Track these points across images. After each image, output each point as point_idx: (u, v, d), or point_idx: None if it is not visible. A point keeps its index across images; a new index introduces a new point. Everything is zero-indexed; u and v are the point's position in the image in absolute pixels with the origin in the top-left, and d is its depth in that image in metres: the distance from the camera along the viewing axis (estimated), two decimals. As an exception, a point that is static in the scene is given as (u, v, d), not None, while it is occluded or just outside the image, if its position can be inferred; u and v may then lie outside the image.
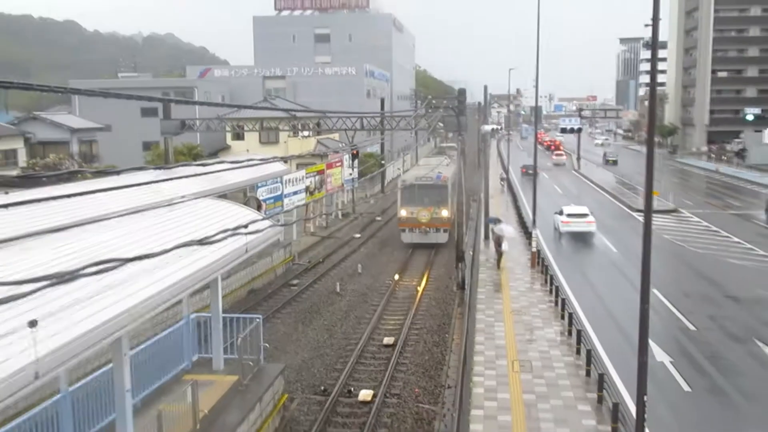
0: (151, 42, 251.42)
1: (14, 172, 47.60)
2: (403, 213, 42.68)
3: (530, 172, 49.19)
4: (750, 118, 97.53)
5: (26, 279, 6.38)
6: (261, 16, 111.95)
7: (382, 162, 60.35)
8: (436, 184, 42.88)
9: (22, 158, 60.16)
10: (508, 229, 37.25)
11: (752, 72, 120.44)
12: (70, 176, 40.52)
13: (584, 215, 43.87)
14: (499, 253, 34.80)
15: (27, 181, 41.81)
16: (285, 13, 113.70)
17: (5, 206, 8.62)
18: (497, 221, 37.76)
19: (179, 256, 13.39)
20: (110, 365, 14.58)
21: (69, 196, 12.34)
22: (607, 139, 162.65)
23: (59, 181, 36.41)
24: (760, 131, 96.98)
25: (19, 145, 60.35)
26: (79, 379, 16.06)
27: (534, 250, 35.26)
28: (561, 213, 45.04)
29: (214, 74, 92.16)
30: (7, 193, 26.73)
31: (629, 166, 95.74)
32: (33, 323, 9.11)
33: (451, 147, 71.15)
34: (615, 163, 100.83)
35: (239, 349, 18.06)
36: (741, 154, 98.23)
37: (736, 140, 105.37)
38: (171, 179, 16.49)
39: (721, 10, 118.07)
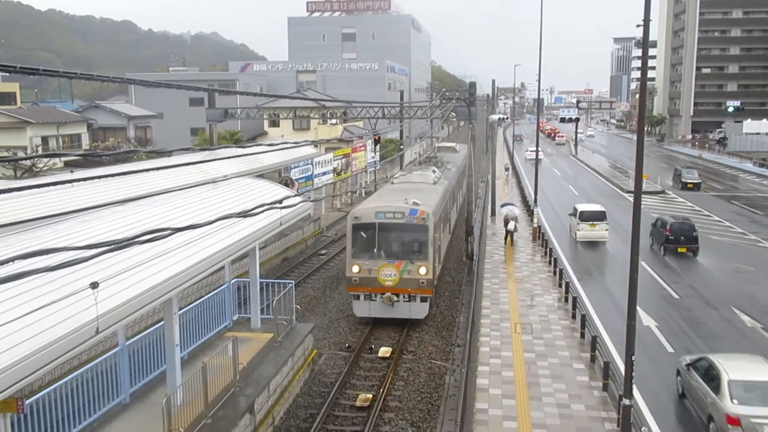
0: (198, 40, 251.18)
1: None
2: (354, 269, 22.75)
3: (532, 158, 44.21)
4: (731, 109, 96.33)
5: (87, 245, 6.39)
6: (295, 17, 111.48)
7: (401, 147, 60.02)
8: (409, 223, 22.86)
9: (86, 142, 60.64)
10: (514, 210, 35.97)
11: (733, 69, 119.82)
12: (127, 156, 40.84)
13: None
14: (507, 232, 33.73)
15: (89, 160, 42.15)
16: (316, 14, 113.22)
17: (70, 182, 8.67)
18: (506, 204, 36.88)
19: (222, 227, 13.43)
20: (162, 323, 14.69)
21: (125, 173, 12.38)
22: (593, 130, 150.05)
23: (117, 161, 36.70)
24: (740, 122, 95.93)
25: (82, 130, 60.82)
26: (135, 334, 16.21)
27: (535, 225, 35.04)
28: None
29: (253, 68, 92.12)
30: (72, 171, 26.92)
31: (621, 153, 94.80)
32: (94, 285, 9.19)
33: (448, 148, 50.13)
34: (697, 187, 55.95)
35: (274, 310, 18.15)
36: (722, 142, 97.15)
37: (718, 130, 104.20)
38: (215, 160, 16.52)
39: (706, 13, 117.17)
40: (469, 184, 35.60)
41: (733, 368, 14.82)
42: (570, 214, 36.86)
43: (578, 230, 34.41)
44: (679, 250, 31.59)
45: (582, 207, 35.46)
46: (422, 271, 22.47)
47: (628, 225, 26.71)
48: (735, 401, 13.92)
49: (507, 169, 66.61)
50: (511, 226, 33.52)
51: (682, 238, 31.70)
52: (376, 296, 22.79)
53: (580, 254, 32.55)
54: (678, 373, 16.91)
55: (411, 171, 32.06)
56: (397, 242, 23.18)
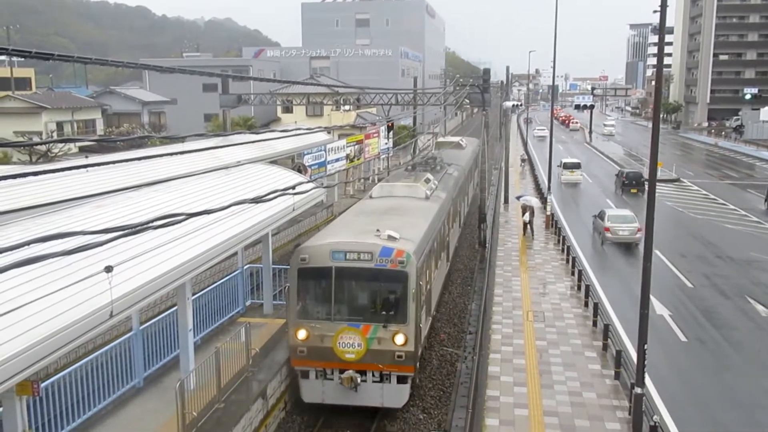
0: (211, 25, 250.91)
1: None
2: (300, 335, 15.77)
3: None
4: (748, 97, 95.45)
5: (102, 230, 6.43)
6: (308, 3, 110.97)
7: (414, 133, 59.84)
8: (380, 269, 15.56)
9: (100, 127, 60.90)
10: (533, 200, 34.97)
11: (751, 55, 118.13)
12: (141, 142, 41.00)
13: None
14: (524, 222, 32.80)
15: (104, 146, 42.37)
16: (330, 0, 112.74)
17: (85, 167, 8.72)
18: (521, 196, 35.80)
19: (235, 213, 13.48)
20: (175, 308, 14.80)
21: (139, 159, 12.45)
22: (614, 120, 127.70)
23: (131, 147, 36.84)
24: (757, 109, 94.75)
25: (97, 115, 61.08)
26: (149, 319, 16.35)
27: (548, 213, 34.91)
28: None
29: (267, 54, 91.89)
30: (87, 156, 27.07)
31: (636, 140, 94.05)
32: (109, 269, 9.28)
33: (452, 144, 42.13)
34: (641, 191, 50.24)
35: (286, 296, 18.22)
36: (738, 129, 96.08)
37: (735, 117, 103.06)
38: (228, 146, 16.59)
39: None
40: (482, 171, 35.47)
41: (610, 212, 32.23)
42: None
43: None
44: (632, 190, 45.44)
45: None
46: (399, 339, 15.19)
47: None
48: (608, 222, 30.92)
49: (523, 161, 63.16)
50: (526, 217, 32.62)
51: (634, 182, 45.74)
52: (332, 373, 15.50)
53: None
54: (593, 220, 33.46)
55: (398, 179, 23.67)
56: (362, 297, 15.89)
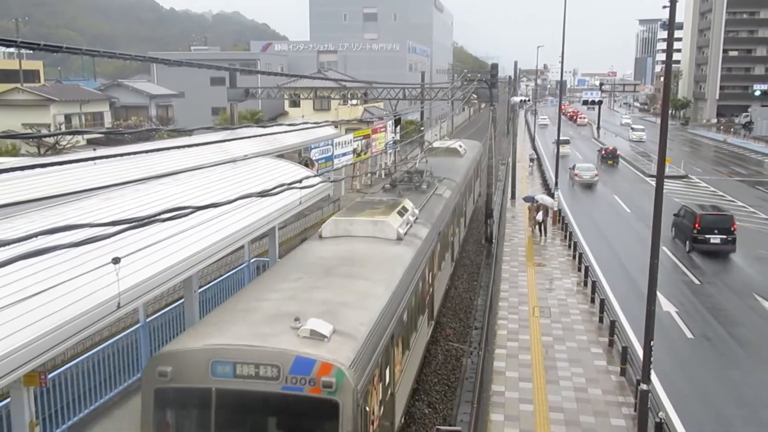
0: (219, 19, 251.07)
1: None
2: None
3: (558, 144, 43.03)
4: (758, 93, 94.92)
5: (110, 222, 6.46)
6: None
7: (421, 128, 59.75)
8: (292, 396, 8.49)
9: (108, 120, 61.01)
10: (547, 199, 33.55)
11: (761, 52, 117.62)
12: (149, 135, 41.08)
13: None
14: (537, 222, 31.62)
15: (112, 138, 42.47)
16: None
17: (93, 159, 8.75)
18: (531, 198, 33.58)
19: (242, 206, 13.50)
20: (182, 300, 14.85)
21: (147, 152, 12.47)
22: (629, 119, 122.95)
23: (139, 139, 36.93)
24: (767, 106, 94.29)
25: (105, 108, 61.18)
26: (155, 311, 16.42)
27: (555, 208, 34.83)
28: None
29: (275, 48, 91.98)
30: (95, 149, 27.13)
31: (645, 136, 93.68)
32: (116, 260, 9.30)
33: (447, 151, 32.83)
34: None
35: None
36: (748, 126, 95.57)
37: (744, 114, 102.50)
38: (235, 140, 16.57)
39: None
40: (490, 166, 35.35)
41: (578, 164, 50.76)
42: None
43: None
44: (609, 162, 61.82)
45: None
46: None
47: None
48: (577, 170, 49.28)
49: (532, 160, 60.38)
50: (539, 216, 31.51)
51: (610, 156, 62.70)
52: None
53: (601, 237, 32.49)
54: (569, 175, 48.09)
55: (362, 210, 16.41)
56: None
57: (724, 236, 28.25)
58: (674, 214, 31.80)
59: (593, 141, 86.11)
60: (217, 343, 8.98)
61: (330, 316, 9.68)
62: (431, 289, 17.38)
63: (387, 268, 12.99)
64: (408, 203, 17.49)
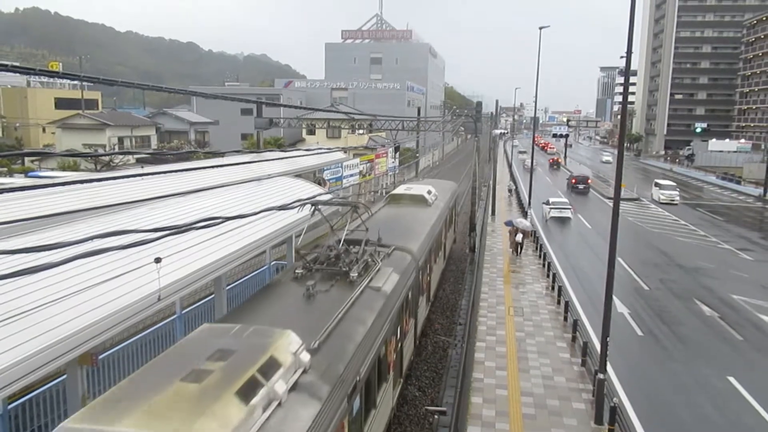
0: (249, 60, 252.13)
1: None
2: None
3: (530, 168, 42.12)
4: (698, 130, 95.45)
5: (153, 228, 6.46)
6: (331, 43, 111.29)
7: (417, 155, 59.77)
8: None
9: (154, 142, 61.11)
10: (526, 222, 31.56)
11: (701, 95, 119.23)
12: (188, 155, 41.12)
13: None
14: (516, 243, 29.50)
15: (157, 158, 42.52)
16: (349, 41, 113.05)
17: (141, 175, 8.75)
18: (510, 223, 31.26)
19: (264, 217, 13.50)
20: (212, 296, 14.80)
21: (186, 170, 12.48)
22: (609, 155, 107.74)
23: (180, 159, 36.91)
24: (706, 141, 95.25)
25: (152, 132, 61.32)
26: (190, 305, 16.36)
27: (530, 230, 34.59)
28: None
29: (295, 85, 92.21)
30: (142, 167, 27.13)
31: (603, 165, 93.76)
32: (158, 260, 9.29)
33: (414, 199, 22.60)
34: None
35: (307, 288, 18.15)
36: (690, 158, 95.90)
37: (687, 147, 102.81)
38: (260, 161, 16.57)
39: (680, 47, 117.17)
40: (474, 187, 35.33)
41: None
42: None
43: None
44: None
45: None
46: None
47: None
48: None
49: (510, 191, 53.48)
50: (519, 237, 29.57)
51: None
52: None
53: (565, 249, 32.40)
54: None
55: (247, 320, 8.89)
56: None
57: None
58: None
59: (562, 169, 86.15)
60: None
61: None
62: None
63: None
64: (287, 345, 7.44)
